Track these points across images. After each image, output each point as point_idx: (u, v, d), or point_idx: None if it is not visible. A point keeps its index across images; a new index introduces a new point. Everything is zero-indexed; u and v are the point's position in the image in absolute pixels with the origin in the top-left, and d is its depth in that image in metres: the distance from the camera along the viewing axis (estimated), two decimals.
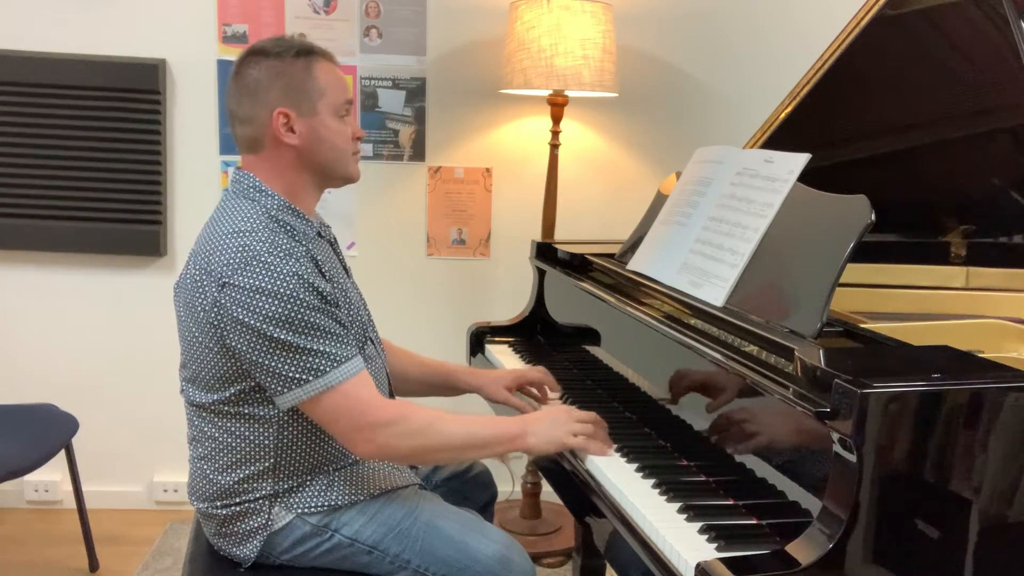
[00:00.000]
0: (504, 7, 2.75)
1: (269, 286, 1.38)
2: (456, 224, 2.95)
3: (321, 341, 1.40)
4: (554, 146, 2.71)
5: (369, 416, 1.43)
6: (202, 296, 1.43)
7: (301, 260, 1.43)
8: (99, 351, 2.90)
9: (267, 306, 1.38)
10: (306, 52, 1.53)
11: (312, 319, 1.40)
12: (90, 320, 2.88)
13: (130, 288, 2.88)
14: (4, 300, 2.86)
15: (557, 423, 1.52)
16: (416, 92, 2.86)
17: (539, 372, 1.83)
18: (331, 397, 1.41)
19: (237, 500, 1.51)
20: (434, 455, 1.52)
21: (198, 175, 2.85)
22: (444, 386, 1.87)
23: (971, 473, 1.08)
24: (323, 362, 1.40)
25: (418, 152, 2.90)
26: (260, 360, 1.40)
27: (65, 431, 2.43)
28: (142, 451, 2.95)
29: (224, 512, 1.51)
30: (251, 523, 1.51)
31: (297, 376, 1.40)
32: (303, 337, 1.39)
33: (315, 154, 1.53)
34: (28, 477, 2.76)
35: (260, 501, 1.50)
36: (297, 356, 1.39)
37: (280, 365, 1.40)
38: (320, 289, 1.43)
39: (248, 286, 1.38)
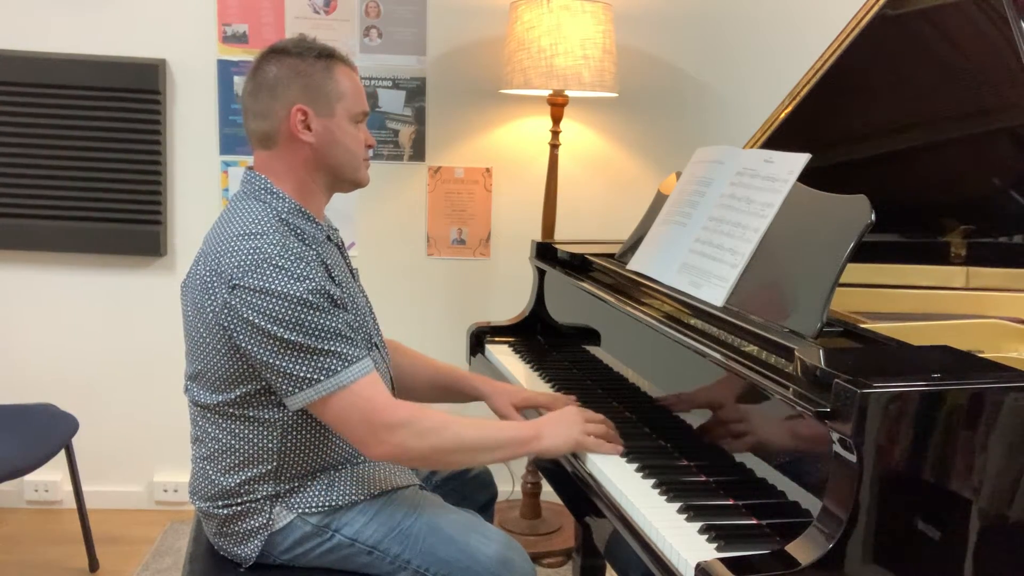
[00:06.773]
0: (504, 7, 2.75)
1: (280, 288, 1.38)
2: (456, 224, 2.95)
3: (332, 342, 1.40)
4: (554, 146, 2.71)
5: (382, 416, 1.41)
6: (211, 297, 1.43)
7: (311, 263, 1.43)
8: (99, 351, 2.90)
9: (278, 308, 1.38)
10: (327, 55, 1.54)
11: (322, 321, 1.40)
12: (90, 320, 2.88)
13: (130, 288, 2.88)
14: (4, 300, 2.86)
15: (570, 425, 1.53)
16: (416, 92, 2.86)
17: (548, 398, 1.77)
18: (343, 397, 1.41)
19: (238, 500, 1.51)
20: (449, 456, 1.50)
21: (198, 175, 2.85)
22: (453, 389, 1.85)
23: (971, 473, 1.08)
24: (334, 362, 1.40)
25: (418, 152, 2.90)
26: (270, 361, 1.40)
27: (65, 431, 2.43)
28: (142, 451, 2.95)
29: (225, 512, 1.52)
30: (252, 523, 1.51)
31: (308, 376, 1.40)
32: (314, 338, 1.39)
33: (328, 155, 1.54)
34: (28, 477, 2.77)
35: (261, 501, 1.50)
36: (308, 356, 1.39)
37: (291, 365, 1.39)
38: (330, 292, 1.43)
39: (259, 288, 1.38)
